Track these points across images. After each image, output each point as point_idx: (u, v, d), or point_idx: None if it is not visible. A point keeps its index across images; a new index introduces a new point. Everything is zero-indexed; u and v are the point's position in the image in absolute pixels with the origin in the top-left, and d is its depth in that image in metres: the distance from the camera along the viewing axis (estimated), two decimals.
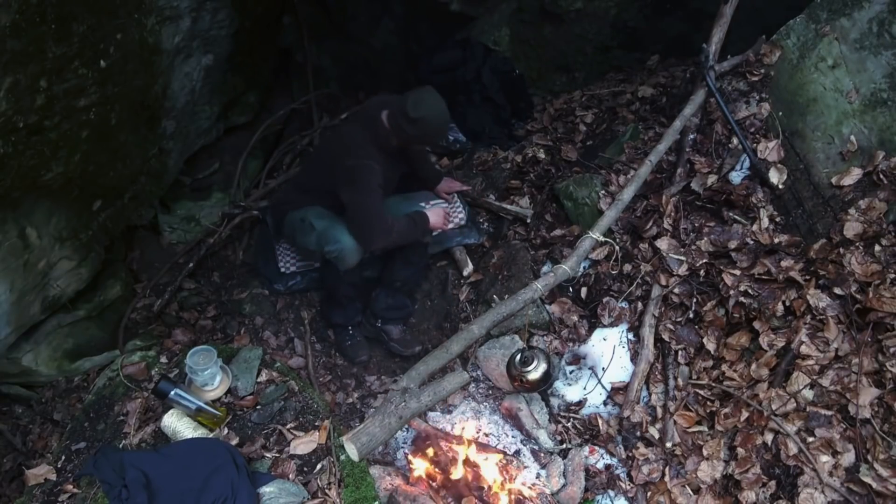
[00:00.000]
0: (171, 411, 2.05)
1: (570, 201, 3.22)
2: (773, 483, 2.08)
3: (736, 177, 2.83)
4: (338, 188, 2.74)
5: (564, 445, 2.52)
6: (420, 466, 2.37)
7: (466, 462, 2.36)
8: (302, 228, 2.86)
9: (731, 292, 2.50)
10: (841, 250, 2.34)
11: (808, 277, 2.38)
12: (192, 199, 3.77)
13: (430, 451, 2.43)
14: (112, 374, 2.33)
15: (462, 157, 3.91)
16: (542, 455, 2.48)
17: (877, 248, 2.28)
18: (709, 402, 2.39)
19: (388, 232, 2.70)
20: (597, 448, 2.48)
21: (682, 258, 2.71)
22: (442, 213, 2.98)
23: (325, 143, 3.78)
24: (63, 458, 2.09)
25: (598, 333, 2.77)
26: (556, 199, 3.32)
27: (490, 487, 2.29)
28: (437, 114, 2.64)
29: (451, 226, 3.24)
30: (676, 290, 2.68)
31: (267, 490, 1.87)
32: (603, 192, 3.13)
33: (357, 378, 3.07)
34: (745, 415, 2.25)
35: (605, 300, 2.83)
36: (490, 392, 2.75)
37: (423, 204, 3.21)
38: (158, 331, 3.22)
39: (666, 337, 2.61)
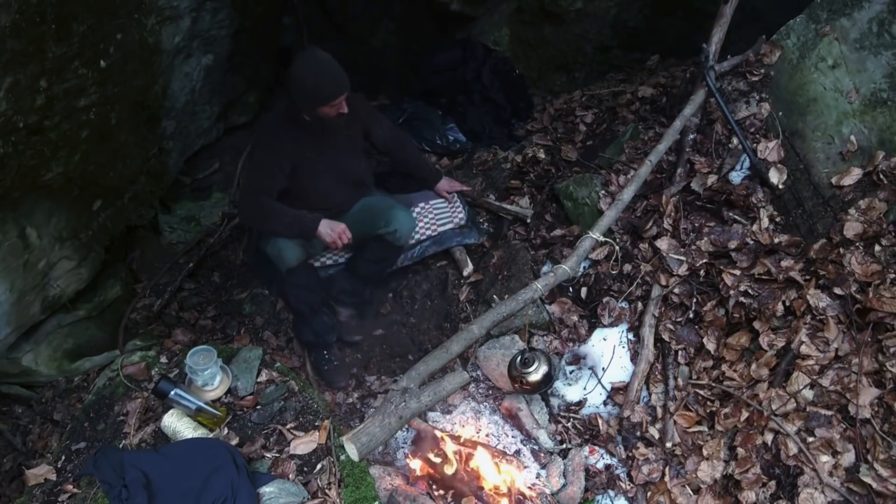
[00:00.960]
0: (171, 411, 2.05)
1: (570, 201, 3.22)
2: (773, 483, 2.08)
3: (736, 177, 2.83)
4: None
5: (564, 445, 2.52)
6: (420, 466, 2.37)
7: (466, 462, 2.36)
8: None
9: (731, 292, 2.50)
10: (841, 250, 2.34)
11: (808, 277, 2.38)
12: (192, 199, 3.77)
13: (430, 452, 2.43)
14: (112, 374, 2.33)
15: (462, 157, 3.91)
16: (542, 455, 2.48)
17: (877, 248, 2.28)
18: (709, 402, 2.39)
19: (250, 212, 2.64)
20: (597, 448, 2.49)
21: (682, 258, 2.71)
22: (339, 231, 2.62)
23: None
24: (63, 458, 2.09)
25: (598, 333, 2.77)
26: (556, 199, 3.32)
27: (490, 487, 2.29)
28: (309, 68, 2.42)
29: (449, 226, 3.24)
30: (676, 290, 2.68)
31: (267, 490, 1.87)
32: (603, 192, 3.13)
33: (357, 378, 3.07)
34: (745, 415, 2.25)
35: (605, 300, 2.83)
36: (490, 392, 2.75)
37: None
38: (158, 331, 3.22)
39: (666, 337, 2.61)
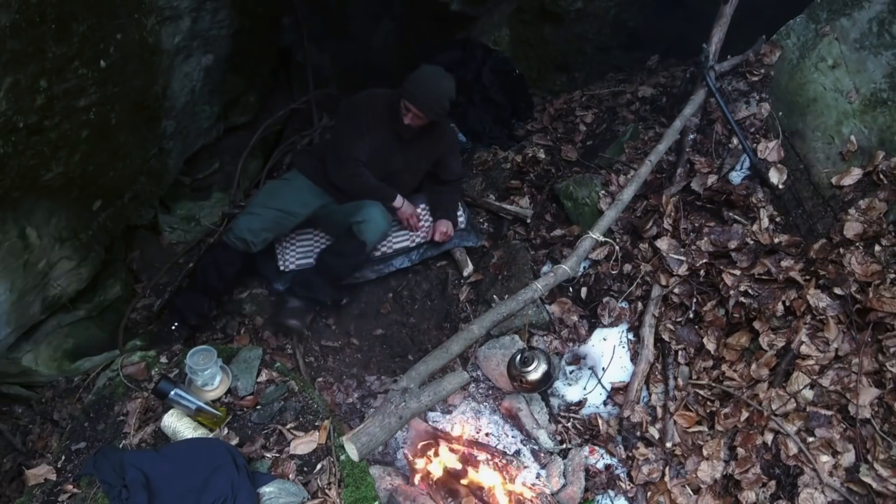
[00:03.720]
0: (171, 411, 2.05)
1: (570, 201, 3.22)
2: (773, 483, 2.09)
3: (736, 177, 2.83)
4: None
5: (564, 445, 2.51)
6: (420, 466, 2.37)
7: (466, 462, 2.36)
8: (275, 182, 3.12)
9: (731, 292, 2.50)
10: (841, 250, 2.34)
11: (808, 277, 2.38)
12: (192, 199, 3.76)
13: (430, 451, 2.43)
14: (112, 374, 2.33)
15: (462, 157, 3.91)
16: (542, 455, 2.48)
17: (877, 248, 2.29)
18: (709, 402, 2.39)
19: (348, 175, 2.90)
20: (597, 448, 2.48)
21: (682, 258, 2.71)
22: (413, 212, 3.09)
23: None
24: (63, 458, 2.09)
25: (598, 333, 2.77)
26: (556, 199, 3.32)
27: (490, 487, 2.29)
28: (429, 75, 2.74)
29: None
30: (676, 290, 2.68)
31: (267, 490, 1.86)
32: (603, 192, 3.13)
33: (357, 378, 3.07)
34: (745, 415, 2.25)
35: (605, 300, 2.83)
36: (490, 392, 2.75)
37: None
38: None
39: (666, 337, 2.61)
